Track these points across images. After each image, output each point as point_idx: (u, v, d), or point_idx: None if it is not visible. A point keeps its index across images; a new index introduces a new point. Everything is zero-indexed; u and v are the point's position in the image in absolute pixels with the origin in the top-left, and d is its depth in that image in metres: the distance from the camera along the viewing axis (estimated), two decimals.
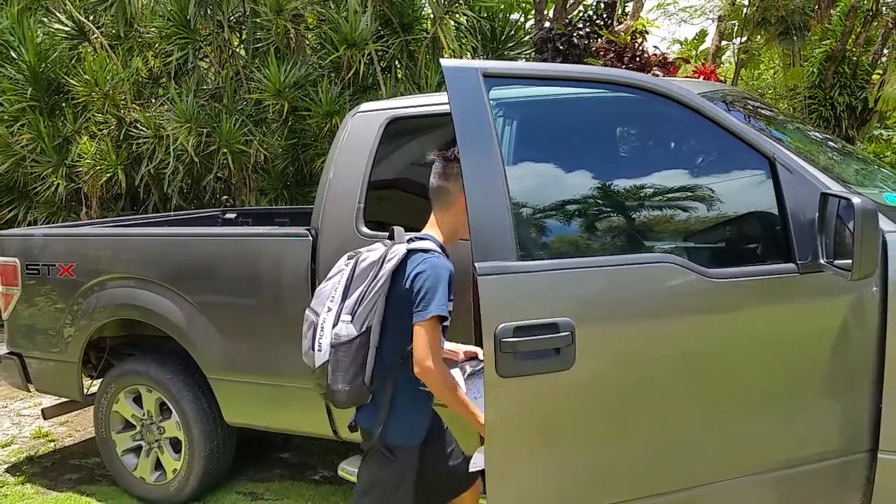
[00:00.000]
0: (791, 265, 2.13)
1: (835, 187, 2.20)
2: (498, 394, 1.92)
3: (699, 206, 2.35)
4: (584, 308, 2.00)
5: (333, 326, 2.15)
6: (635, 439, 2.13)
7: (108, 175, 6.14)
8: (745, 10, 12.41)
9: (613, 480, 2.12)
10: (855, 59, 8.99)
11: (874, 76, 9.10)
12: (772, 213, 2.20)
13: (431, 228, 2.27)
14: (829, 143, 3.30)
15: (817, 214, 2.14)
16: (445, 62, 2.06)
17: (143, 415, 3.57)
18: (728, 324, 2.18)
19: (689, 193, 2.35)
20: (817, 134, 3.37)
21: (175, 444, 3.51)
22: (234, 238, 3.43)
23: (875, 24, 9.24)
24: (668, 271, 2.07)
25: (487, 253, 1.93)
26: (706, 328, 2.16)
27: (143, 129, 6.01)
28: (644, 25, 6.75)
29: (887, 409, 2.20)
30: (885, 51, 9.18)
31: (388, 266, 2.13)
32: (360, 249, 2.28)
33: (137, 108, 6.26)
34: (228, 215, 4.89)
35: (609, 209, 2.34)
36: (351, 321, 2.13)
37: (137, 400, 3.60)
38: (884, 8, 9.22)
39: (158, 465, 3.58)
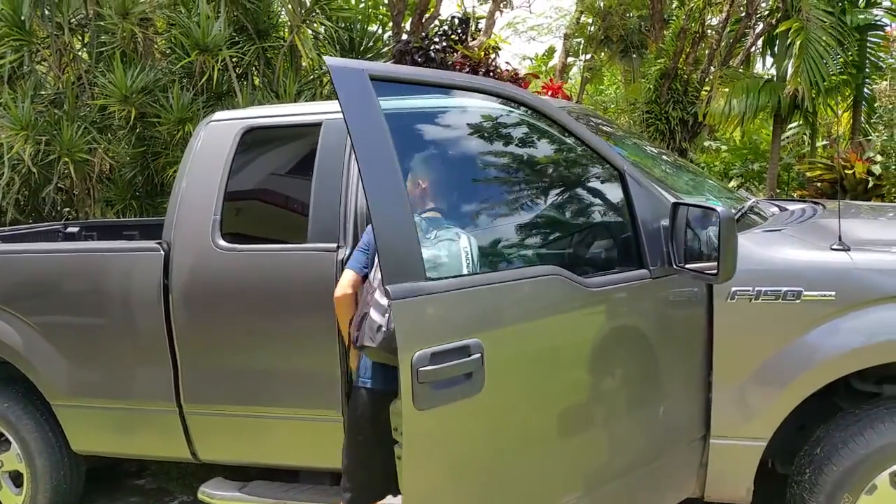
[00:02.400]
0: (644, 271, 2.27)
1: (672, 198, 2.37)
2: (415, 428, 1.80)
3: (568, 217, 2.45)
4: (490, 326, 1.93)
5: None
6: (546, 452, 2.13)
7: None
8: (589, 28, 13.25)
9: (531, 495, 2.12)
10: (686, 76, 9.84)
11: (703, 93, 9.99)
12: (624, 222, 2.33)
13: None
14: (664, 156, 3.60)
15: (668, 222, 2.28)
16: (330, 60, 1.85)
17: None
18: (602, 330, 2.25)
19: (560, 206, 2.43)
20: (653, 149, 3.67)
21: (16, 478, 3.25)
22: (78, 254, 3.24)
23: (702, 45, 10.16)
24: (558, 283, 2.07)
25: (397, 273, 1.75)
26: (589, 336, 2.21)
27: None
28: (496, 42, 7.05)
29: (716, 398, 2.44)
30: (711, 69, 10.10)
31: None
32: None
33: None
34: (70, 229, 4.56)
35: (483, 221, 2.34)
36: None
37: None
38: (709, 30, 10.16)
39: None
